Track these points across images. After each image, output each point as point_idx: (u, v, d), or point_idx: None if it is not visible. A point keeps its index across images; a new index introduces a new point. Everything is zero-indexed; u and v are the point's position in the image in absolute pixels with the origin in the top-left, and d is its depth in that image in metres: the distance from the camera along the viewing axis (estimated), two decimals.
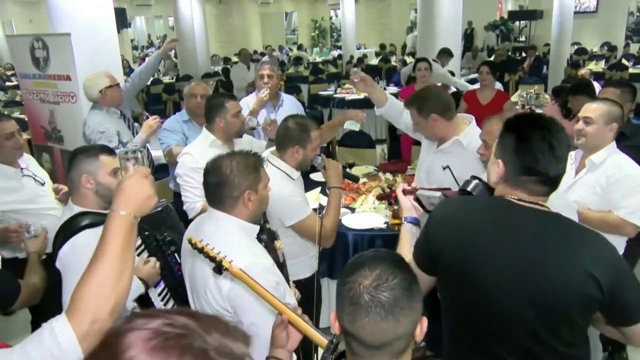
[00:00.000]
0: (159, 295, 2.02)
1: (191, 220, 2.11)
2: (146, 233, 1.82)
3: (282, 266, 1.98)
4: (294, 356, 1.75)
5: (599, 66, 10.73)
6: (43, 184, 2.84)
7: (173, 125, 3.48)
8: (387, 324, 1.01)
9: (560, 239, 1.37)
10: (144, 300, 1.92)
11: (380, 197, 2.37)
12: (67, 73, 3.78)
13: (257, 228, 1.86)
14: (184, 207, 2.75)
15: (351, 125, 3.45)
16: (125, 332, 0.65)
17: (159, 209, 2.03)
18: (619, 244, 2.41)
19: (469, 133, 2.54)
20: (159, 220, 2.01)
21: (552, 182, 1.42)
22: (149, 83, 10.64)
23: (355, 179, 2.81)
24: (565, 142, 1.42)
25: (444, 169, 2.37)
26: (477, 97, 4.80)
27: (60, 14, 3.87)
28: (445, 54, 6.63)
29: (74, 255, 1.74)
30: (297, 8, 22.26)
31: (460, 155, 2.49)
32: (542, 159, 1.37)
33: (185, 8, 11.79)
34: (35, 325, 2.33)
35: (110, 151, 2.03)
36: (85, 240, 1.74)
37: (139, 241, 1.92)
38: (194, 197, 2.68)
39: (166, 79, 12.02)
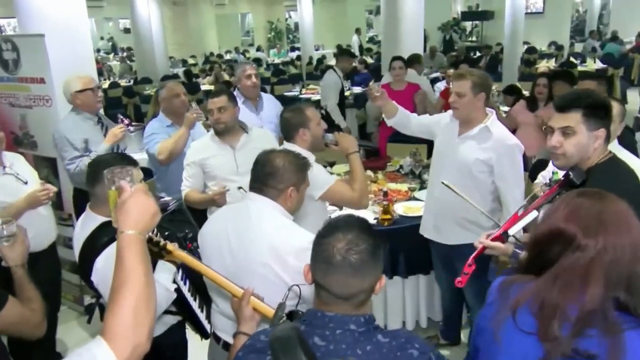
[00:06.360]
0: (189, 291, 2.07)
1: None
2: (166, 233, 1.82)
3: None
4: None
5: (550, 64, 11.24)
6: (26, 183, 2.78)
7: (157, 129, 3.46)
8: (354, 280, 1.21)
9: None
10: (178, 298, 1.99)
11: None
12: (42, 76, 3.63)
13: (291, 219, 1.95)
14: None
15: None
16: None
17: (173, 208, 2.04)
18: None
19: (494, 123, 2.62)
20: (178, 219, 2.02)
21: None
22: (106, 86, 10.38)
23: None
24: None
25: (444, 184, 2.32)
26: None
27: (31, 13, 3.72)
28: (415, 62, 6.24)
29: (110, 268, 1.72)
30: (252, 9, 22.11)
31: (486, 142, 2.58)
32: None
33: (142, 10, 11.53)
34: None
35: (136, 165, 1.98)
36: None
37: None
38: (182, 185, 3.01)
39: (123, 82, 11.72)
